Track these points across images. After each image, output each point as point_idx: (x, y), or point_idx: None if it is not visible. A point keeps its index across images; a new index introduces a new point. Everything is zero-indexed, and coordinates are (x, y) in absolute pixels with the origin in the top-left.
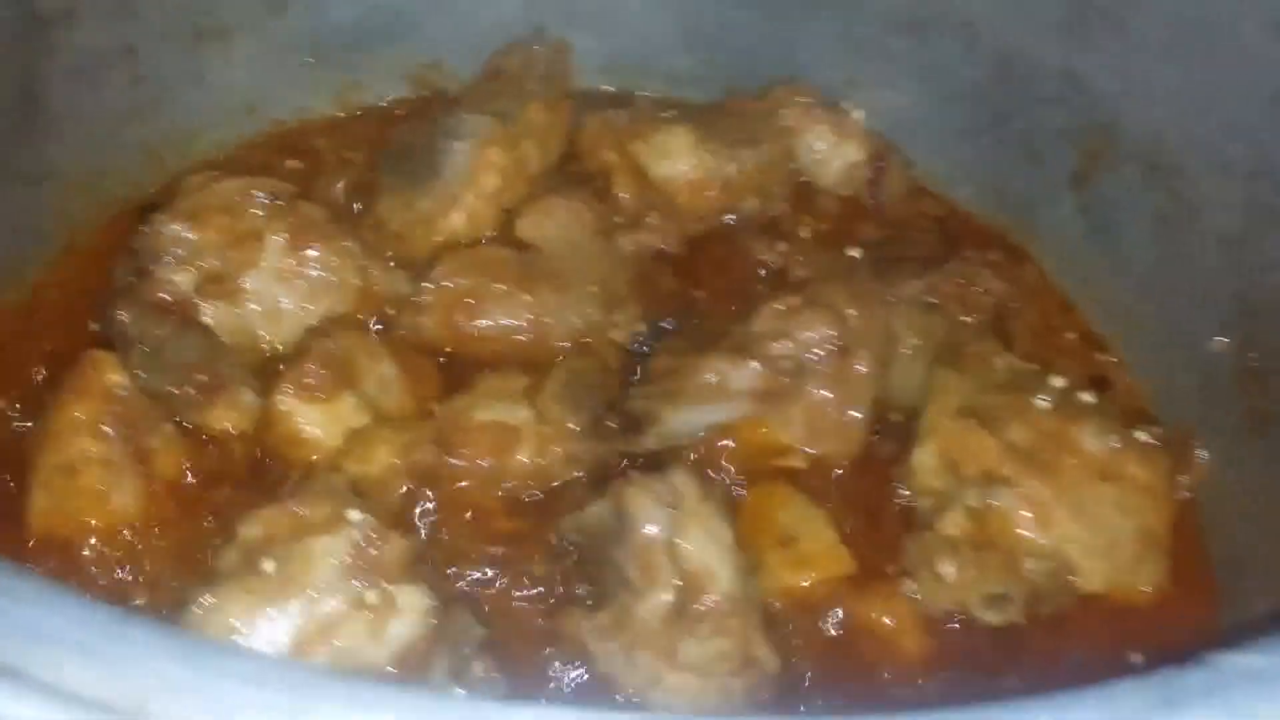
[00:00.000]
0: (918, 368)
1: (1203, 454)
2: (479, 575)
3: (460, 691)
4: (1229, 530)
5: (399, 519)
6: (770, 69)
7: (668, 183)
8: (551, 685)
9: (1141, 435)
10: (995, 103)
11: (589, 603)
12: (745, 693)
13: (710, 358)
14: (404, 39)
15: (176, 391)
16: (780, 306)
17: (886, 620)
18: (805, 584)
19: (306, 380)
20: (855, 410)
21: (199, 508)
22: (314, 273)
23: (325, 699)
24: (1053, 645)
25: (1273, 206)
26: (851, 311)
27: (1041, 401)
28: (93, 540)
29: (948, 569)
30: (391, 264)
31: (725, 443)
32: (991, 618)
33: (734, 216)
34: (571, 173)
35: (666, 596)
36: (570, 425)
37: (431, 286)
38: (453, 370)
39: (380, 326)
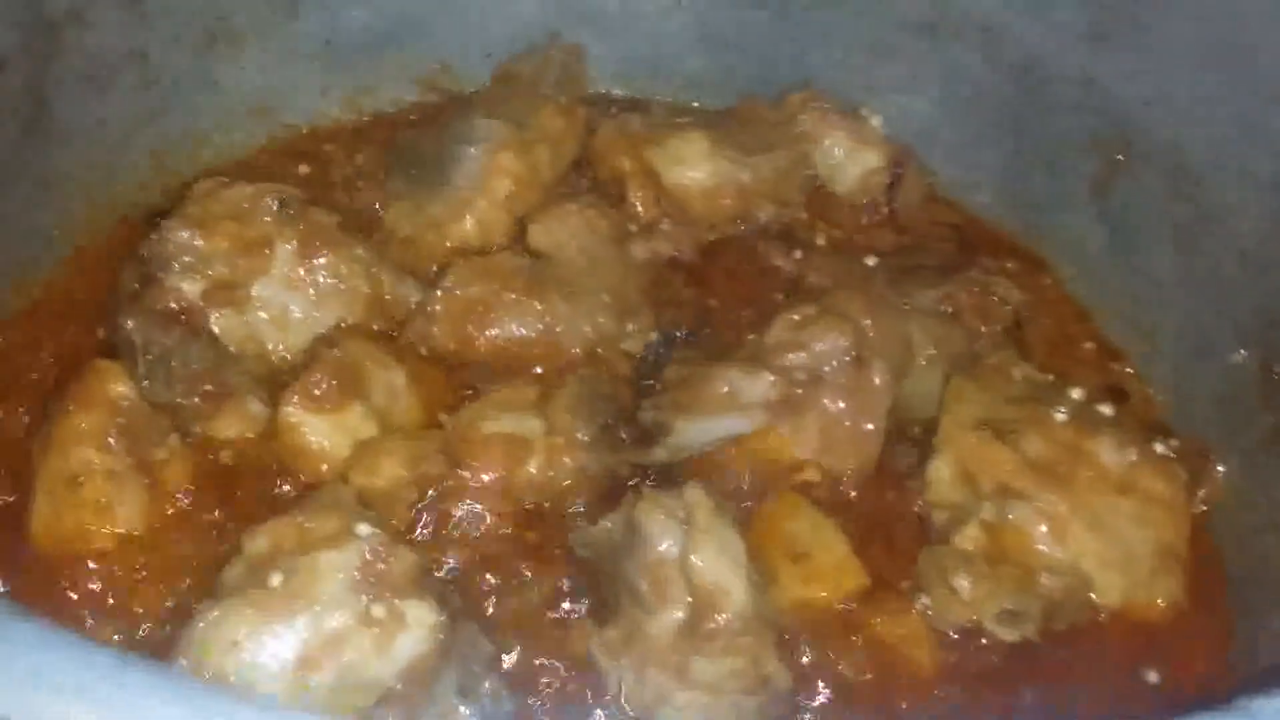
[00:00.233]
0: (934, 378)
1: (1220, 468)
2: (488, 589)
3: (466, 711)
4: (1244, 545)
5: (407, 531)
6: (786, 74)
7: (682, 189)
8: (561, 702)
9: (1158, 448)
10: (1014, 109)
11: (599, 618)
12: (757, 711)
13: (723, 368)
14: (416, 43)
15: (183, 401)
16: (795, 316)
17: (900, 635)
18: (817, 598)
19: (314, 391)
20: (870, 422)
21: (204, 519)
22: (323, 281)
23: None
24: (1067, 661)
25: None
26: (867, 322)
27: (1059, 414)
28: (96, 552)
29: (962, 584)
30: (402, 272)
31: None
32: (1006, 634)
33: (749, 224)
34: (584, 179)
35: (678, 613)
36: (581, 436)
37: (442, 295)
38: (462, 380)
39: (390, 335)
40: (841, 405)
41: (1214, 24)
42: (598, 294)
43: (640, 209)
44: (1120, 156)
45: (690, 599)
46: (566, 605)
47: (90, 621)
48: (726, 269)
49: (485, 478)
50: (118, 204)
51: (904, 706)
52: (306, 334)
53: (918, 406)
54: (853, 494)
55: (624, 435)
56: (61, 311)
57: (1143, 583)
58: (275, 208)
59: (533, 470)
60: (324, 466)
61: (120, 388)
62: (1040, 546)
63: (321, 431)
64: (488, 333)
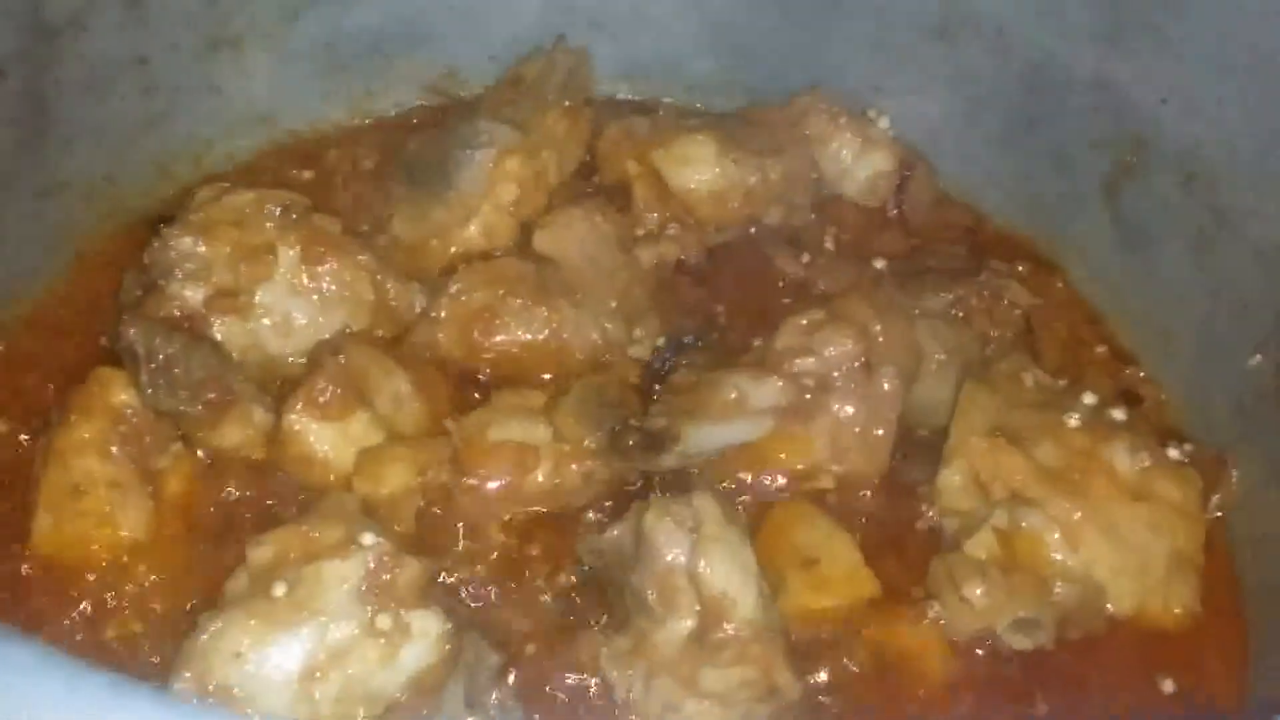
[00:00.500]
0: (944, 383)
1: (1235, 473)
2: (494, 599)
3: None
4: (1260, 551)
5: (413, 540)
6: (795, 76)
7: (689, 193)
8: (568, 712)
9: (1173, 453)
10: (1026, 111)
11: (607, 627)
12: None
13: (732, 374)
14: (420, 47)
15: (185, 409)
16: (803, 321)
17: (912, 644)
18: (827, 607)
19: (318, 398)
20: (880, 428)
21: (208, 529)
22: (327, 287)
23: None
24: (1081, 670)
25: None
26: (877, 327)
27: (1071, 419)
28: (98, 562)
29: (975, 592)
30: (406, 277)
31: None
32: (1020, 643)
33: (756, 227)
34: (590, 183)
35: (687, 623)
36: (589, 443)
37: (447, 301)
38: (468, 386)
39: (395, 341)
40: (851, 411)
41: (1228, 24)
42: (604, 299)
43: (646, 213)
44: (1133, 158)
45: (699, 608)
46: (574, 615)
47: (92, 632)
48: (734, 273)
49: (492, 485)
50: (120, 211)
51: (916, 716)
52: (310, 340)
53: (928, 412)
54: (862, 501)
55: (632, 442)
56: (63, 319)
57: (1157, 590)
58: (278, 214)
59: (540, 477)
60: (329, 475)
61: (122, 396)
62: (1053, 554)
63: (326, 439)
64: (493, 339)
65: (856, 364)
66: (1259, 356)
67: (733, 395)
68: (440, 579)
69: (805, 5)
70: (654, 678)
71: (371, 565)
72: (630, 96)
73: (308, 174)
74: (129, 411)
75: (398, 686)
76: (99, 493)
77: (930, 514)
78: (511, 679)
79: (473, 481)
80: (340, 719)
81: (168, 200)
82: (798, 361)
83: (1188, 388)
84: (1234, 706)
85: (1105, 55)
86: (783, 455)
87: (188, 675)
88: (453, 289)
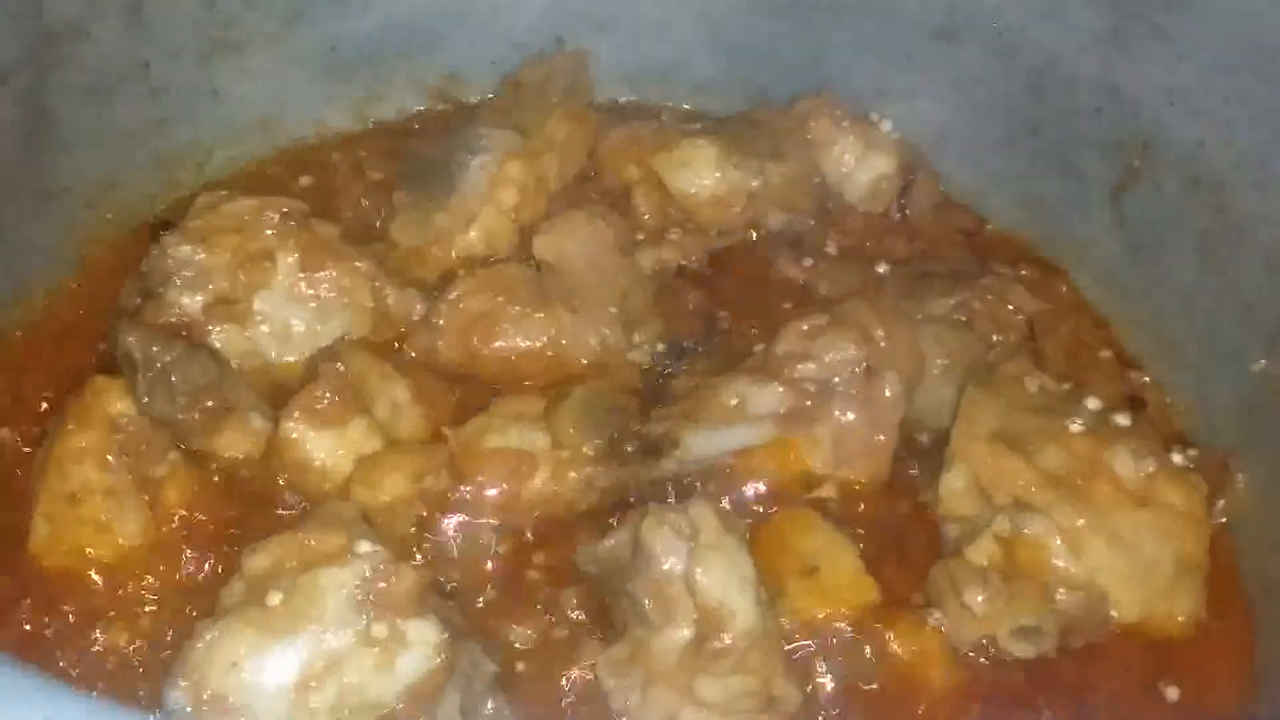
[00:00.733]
0: (947, 388)
1: (1240, 478)
2: (492, 607)
3: None
4: (1266, 558)
5: (410, 548)
6: (797, 79)
7: (690, 197)
8: None
9: (1177, 458)
10: (1029, 114)
11: (605, 636)
12: None
13: (732, 379)
14: (421, 51)
15: (183, 417)
16: (805, 326)
17: (912, 652)
18: (828, 613)
19: (316, 405)
20: (882, 433)
21: (205, 537)
22: (326, 294)
23: None
24: (1085, 677)
25: None
26: (879, 331)
27: (1075, 424)
28: (94, 571)
29: (976, 599)
30: (405, 284)
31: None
32: (1022, 650)
33: (758, 232)
34: (591, 187)
35: (685, 631)
36: (587, 450)
37: (446, 307)
38: (467, 393)
39: (393, 348)
40: (853, 416)
41: (1234, 27)
42: (604, 305)
43: (647, 217)
44: (1138, 162)
45: (696, 617)
46: (572, 623)
47: (88, 640)
48: (735, 278)
49: (490, 492)
50: (120, 216)
51: None
52: (308, 348)
53: (930, 417)
54: (864, 506)
55: (631, 448)
56: (63, 326)
57: (1162, 597)
58: (277, 220)
59: (538, 484)
60: (326, 482)
61: (120, 405)
62: (1056, 560)
63: (324, 447)
64: (493, 345)
65: (858, 369)
66: (1264, 361)
67: (733, 401)
68: (437, 587)
69: (807, 8)
70: (651, 687)
71: (368, 574)
72: (632, 100)
73: (308, 179)
74: (126, 420)
75: (394, 695)
76: (96, 501)
77: (931, 519)
78: (508, 688)
79: (470, 489)
80: None
81: (169, 205)
82: (799, 367)
83: (1193, 392)
84: (1240, 714)
85: (1109, 58)
86: (783, 461)
87: (183, 684)
88: (452, 295)
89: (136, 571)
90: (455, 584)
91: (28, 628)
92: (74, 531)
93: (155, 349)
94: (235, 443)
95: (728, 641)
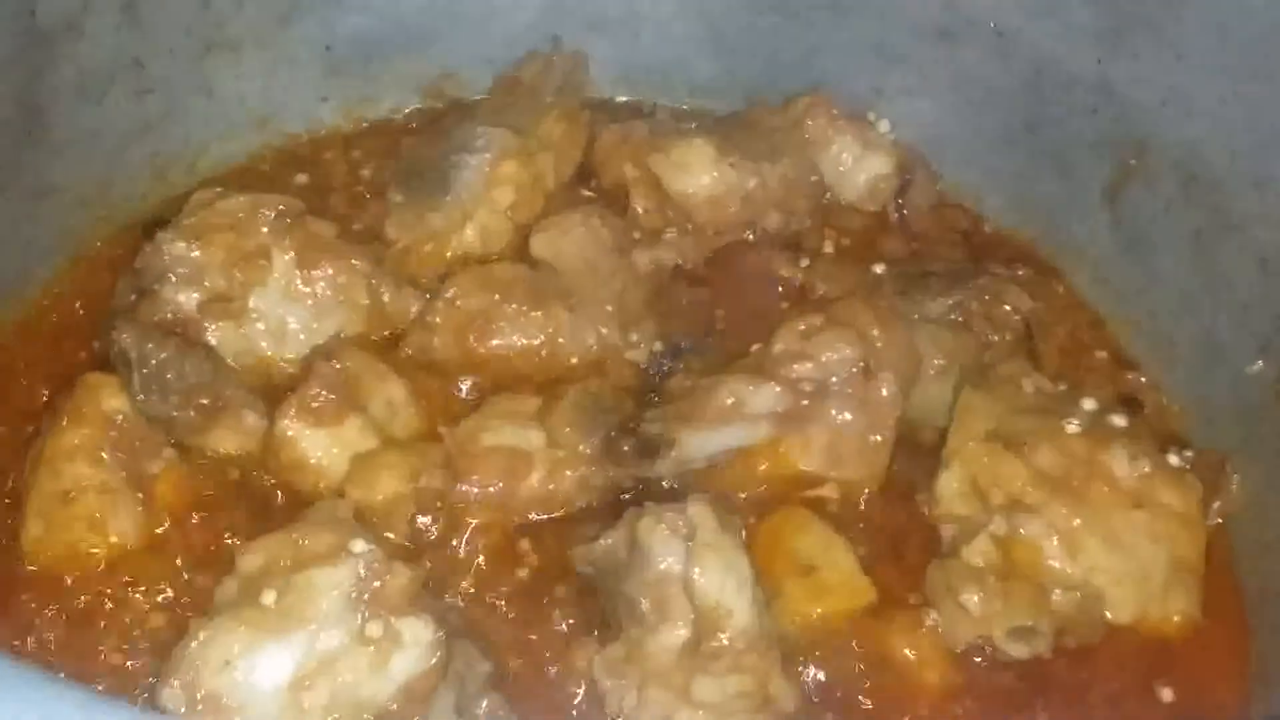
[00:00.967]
0: (943, 389)
1: (1236, 479)
2: (487, 606)
3: None
4: (1262, 559)
5: (405, 547)
6: (794, 78)
7: (687, 197)
8: None
9: (1173, 459)
10: (1026, 113)
11: (600, 635)
12: None
13: (728, 379)
14: (416, 49)
15: (178, 414)
16: (801, 326)
17: (908, 652)
18: (824, 613)
19: (312, 404)
20: (878, 433)
21: (199, 535)
22: (321, 292)
23: None
24: (1080, 678)
25: None
26: (875, 332)
27: (1071, 425)
28: (88, 568)
29: (972, 599)
30: (401, 282)
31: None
32: (1018, 650)
33: (755, 232)
34: (588, 187)
35: (681, 631)
36: (583, 449)
37: (442, 306)
38: (463, 391)
39: (389, 346)
40: (849, 417)
41: (1231, 27)
42: (601, 304)
43: (644, 217)
44: (1134, 161)
45: (693, 617)
46: (567, 622)
47: (81, 638)
48: (732, 278)
49: (485, 491)
50: (114, 215)
51: None
52: (304, 346)
53: (927, 417)
54: (860, 507)
55: (627, 448)
56: (56, 324)
57: (1157, 598)
58: (272, 218)
59: (534, 483)
60: (321, 481)
61: (114, 402)
62: (1052, 561)
63: (319, 445)
64: (489, 344)
65: (855, 369)
66: (1260, 362)
67: (729, 401)
68: (431, 586)
69: (805, 7)
70: (647, 687)
71: (362, 573)
72: (627, 99)
73: (303, 177)
74: (120, 417)
75: (388, 695)
76: (89, 499)
77: (927, 520)
78: (502, 688)
79: (466, 488)
80: None
81: (162, 204)
82: (795, 367)
83: (1189, 393)
84: (1235, 716)
85: (1106, 57)
86: (780, 461)
87: (176, 683)
88: (448, 294)
89: (129, 569)
90: (449, 583)
91: (19, 624)
92: (67, 529)
93: (150, 346)
94: (230, 440)
95: (725, 641)
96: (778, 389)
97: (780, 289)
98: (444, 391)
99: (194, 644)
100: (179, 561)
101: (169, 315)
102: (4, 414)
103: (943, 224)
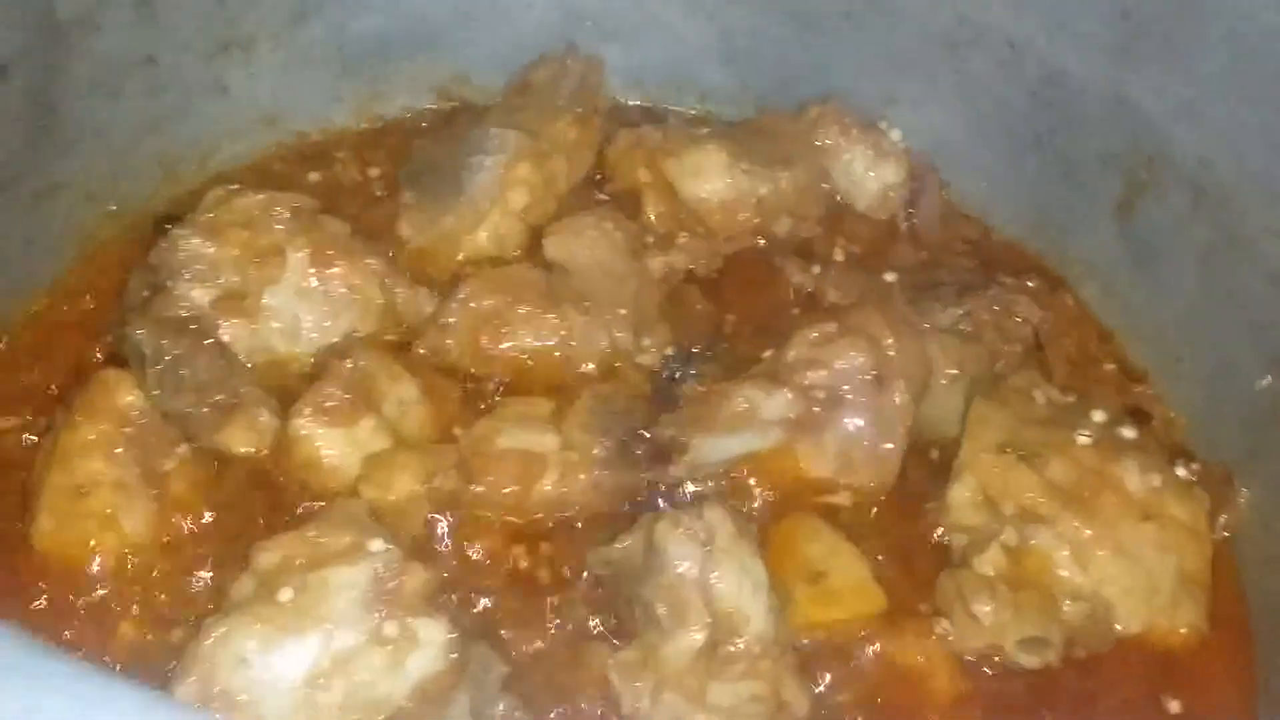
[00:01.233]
0: (954, 397)
1: (1243, 492)
2: (502, 608)
3: None
4: (1267, 571)
5: (419, 547)
6: (806, 85)
7: (700, 202)
8: None
9: (1180, 471)
10: (1037, 125)
11: (615, 638)
12: None
13: (742, 385)
14: (430, 50)
15: (191, 411)
16: (814, 334)
17: (919, 660)
18: (835, 620)
19: (326, 403)
20: (890, 441)
21: (211, 532)
22: (335, 290)
23: None
24: (1088, 688)
25: None
26: (889, 341)
27: (1082, 437)
28: (101, 564)
29: (983, 609)
30: (414, 282)
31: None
32: (1028, 661)
33: (766, 238)
34: (600, 191)
35: (697, 636)
36: (597, 452)
37: (456, 307)
38: (476, 393)
39: (402, 346)
40: (861, 424)
41: (1244, 42)
42: (614, 307)
43: (657, 222)
44: (1145, 175)
45: (709, 621)
46: (582, 625)
47: (93, 635)
48: (743, 283)
49: (499, 493)
50: (124, 211)
51: None
52: (317, 344)
53: (937, 426)
54: (871, 514)
55: (640, 451)
56: (67, 319)
57: (1164, 609)
58: (287, 216)
59: (547, 486)
60: (335, 480)
61: (129, 398)
62: (1062, 572)
63: (333, 444)
64: (502, 345)
65: (868, 378)
66: (1269, 377)
67: (742, 406)
68: (447, 587)
69: (817, 15)
70: (662, 690)
71: (379, 572)
72: (640, 104)
73: (315, 176)
74: (135, 413)
75: (403, 694)
76: (102, 494)
77: (937, 529)
78: (517, 690)
79: (480, 489)
80: None
81: (172, 200)
82: (808, 374)
83: (1197, 406)
84: None
85: (1117, 71)
86: (791, 467)
87: (192, 679)
88: (462, 295)
89: (141, 565)
90: (464, 584)
91: (29, 620)
92: (79, 525)
93: (164, 342)
94: (243, 438)
95: (740, 646)
96: (791, 395)
97: (791, 295)
98: (456, 392)
99: (210, 640)
100: (191, 558)
101: (182, 312)
102: (14, 408)
103: (952, 233)
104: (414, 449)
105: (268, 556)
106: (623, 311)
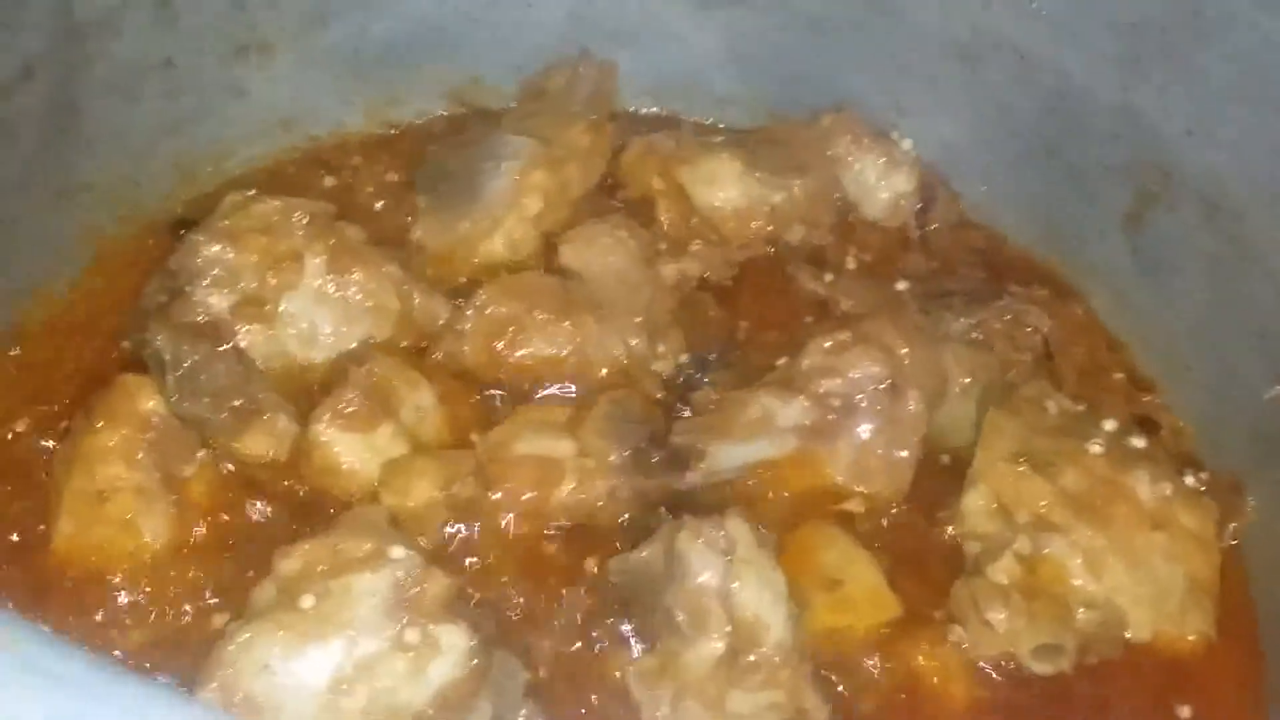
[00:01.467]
0: (967, 407)
1: (1251, 501)
2: (521, 614)
3: None
4: (1275, 579)
5: (438, 554)
6: (817, 94)
7: (713, 210)
8: None
9: (1189, 480)
10: (1048, 136)
11: (635, 646)
12: None
13: (757, 392)
14: (444, 55)
15: (210, 416)
16: (829, 343)
17: (934, 667)
18: (850, 627)
19: (346, 410)
20: (904, 450)
21: (231, 538)
22: (353, 296)
23: None
24: (1099, 695)
25: None
26: (904, 350)
27: (1094, 446)
28: (121, 570)
29: (998, 617)
30: (430, 289)
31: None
32: (1041, 668)
33: (778, 246)
34: (613, 197)
35: (717, 645)
36: (613, 460)
37: (472, 314)
38: (491, 399)
39: (418, 352)
40: (875, 433)
41: (1254, 58)
42: (628, 315)
43: (670, 229)
44: (1155, 187)
45: (729, 630)
46: (600, 632)
47: (112, 640)
48: (756, 291)
49: (517, 499)
50: (139, 213)
51: None
52: (334, 350)
53: (949, 435)
54: (884, 522)
55: (656, 459)
56: (83, 322)
57: (1173, 617)
58: (305, 222)
59: (564, 493)
60: (353, 486)
61: (150, 404)
62: (1075, 580)
63: (352, 451)
64: (518, 352)
65: (883, 386)
66: (1278, 387)
67: (758, 414)
68: (466, 594)
69: (829, 24)
70: (682, 699)
71: (400, 579)
72: (653, 111)
73: (330, 180)
74: (155, 419)
75: (425, 701)
76: (123, 499)
77: (951, 537)
78: (537, 697)
79: (498, 495)
80: None
81: (188, 203)
82: (824, 382)
83: (1205, 416)
84: None
85: (1129, 83)
86: (806, 475)
87: (214, 685)
88: (478, 302)
89: (161, 570)
90: (484, 591)
91: (47, 624)
92: (99, 530)
93: (184, 348)
94: (261, 443)
95: (760, 655)
96: (806, 403)
97: (804, 303)
98: (472, 398)
99: (232, 646)
100: (210, 564)
101: (201, 317)
102: (30, 410)
103: (962, 243)
104: (432, 455)
105: (289, 563)
106: (637, 319)
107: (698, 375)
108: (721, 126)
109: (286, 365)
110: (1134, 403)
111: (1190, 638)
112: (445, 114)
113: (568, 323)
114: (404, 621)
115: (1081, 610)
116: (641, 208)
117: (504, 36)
